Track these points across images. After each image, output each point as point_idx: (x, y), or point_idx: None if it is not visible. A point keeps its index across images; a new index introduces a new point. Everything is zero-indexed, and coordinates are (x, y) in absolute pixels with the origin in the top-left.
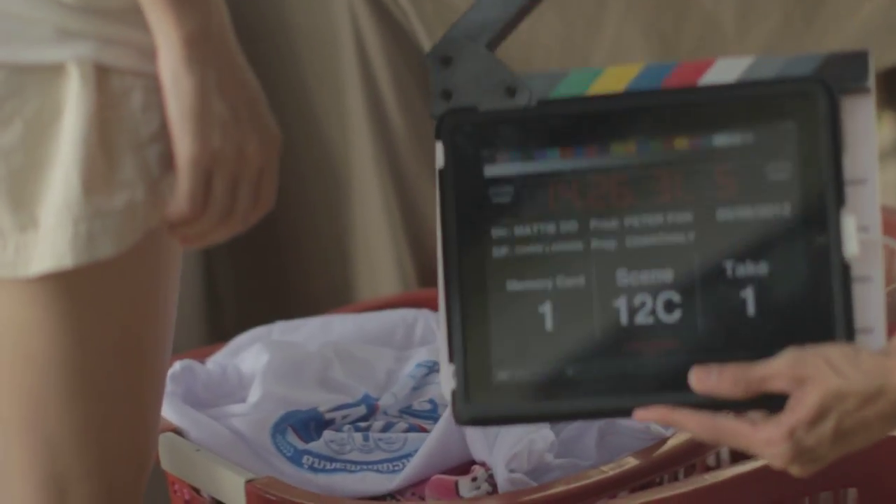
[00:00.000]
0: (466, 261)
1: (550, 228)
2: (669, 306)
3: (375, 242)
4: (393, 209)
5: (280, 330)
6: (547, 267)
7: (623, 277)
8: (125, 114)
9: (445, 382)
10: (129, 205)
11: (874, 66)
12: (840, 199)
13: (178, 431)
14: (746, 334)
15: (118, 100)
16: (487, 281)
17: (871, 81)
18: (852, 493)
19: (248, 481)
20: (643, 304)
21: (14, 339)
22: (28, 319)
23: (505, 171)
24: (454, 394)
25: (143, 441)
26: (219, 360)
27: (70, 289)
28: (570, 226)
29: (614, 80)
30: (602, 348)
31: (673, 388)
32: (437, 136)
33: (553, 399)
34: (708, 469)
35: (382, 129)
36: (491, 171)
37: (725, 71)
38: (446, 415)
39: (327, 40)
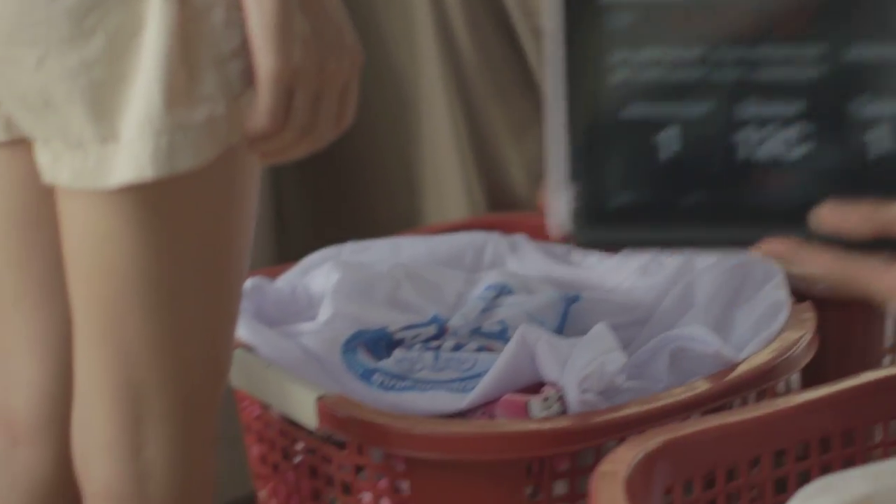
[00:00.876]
0: (581, 88)
1: (672, 55)
2: (795, 140)
3: (444, 167)
4: (461, 134)
5: (350, 250)
6: (667, 94)
7: (747, 108)
8: (206, 29)
9: (558, 207)
10: (209, 119)
11: None
12: None
13: (248, 348)
14: (878, 175)
15: (200, 14)
16: (604, 107)
17: None
18: None
19: (319, 398)
20: (767, 137)
21: (93, 249)
22: (108, 230)
23: None
24: (573, 215)
25: (218, 354)
26: (289, 279)
27: (150, 201)
28: (692, 54)
29: None
30: (723, 179)
31: (796, 224)
32: None
33: (671, 226)
34: (777, 396)
35: (451, 53)
36: None
37: None
38: (517, 335)
39: None
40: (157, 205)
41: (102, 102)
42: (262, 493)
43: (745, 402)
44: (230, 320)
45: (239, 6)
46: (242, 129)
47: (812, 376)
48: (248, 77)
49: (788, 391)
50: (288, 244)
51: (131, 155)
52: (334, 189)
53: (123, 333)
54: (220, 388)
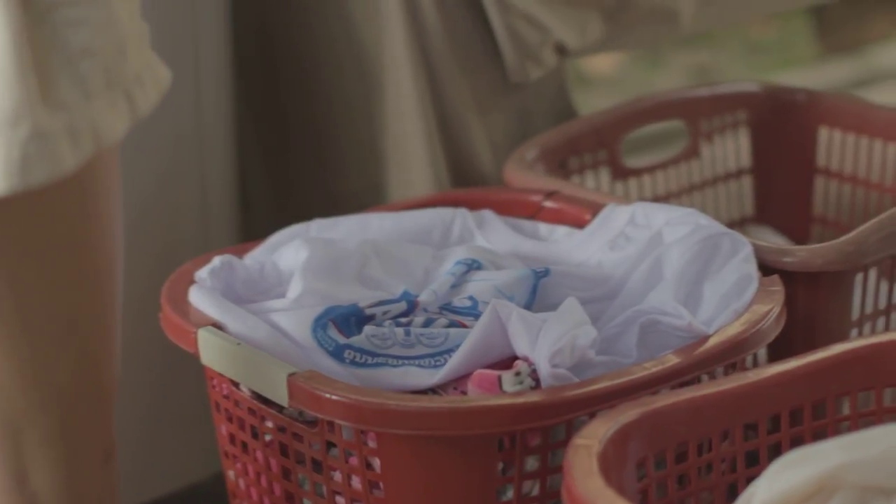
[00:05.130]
0: None
1: None
2: None
3: (408, 141)
4: (426, 107)
5: (318, 227)
6: None
7: None
8: (53, 29)
9: None
10: (68, 126)
11: None
12: None
13: (217, 325)
14: None
15: (44, 15)
16: None
17: None
18: (889, 392)
19: (290, 375)
20: None
21: None
22: None
23: None
24: None
25: (96, 376)
26: (257, 256)
27: (1, 219)
28: None
29: None
30: None
31: None
32: None
33: None
34: (745, 370)
35: (416, 25)
36: None
37: None
38: (489, 309)
39: None
40: (9, 220)
41: None
42: (231, 473)
43: (713, 377)
44: (104, 337)
45: (84, 2)
46: (102, 135)
47: (779, 350)
48: (103, 77)
49: (755, 365)
50: (252, 222)
51: None
52: (298, 165)
53: None
54: (105, 404)
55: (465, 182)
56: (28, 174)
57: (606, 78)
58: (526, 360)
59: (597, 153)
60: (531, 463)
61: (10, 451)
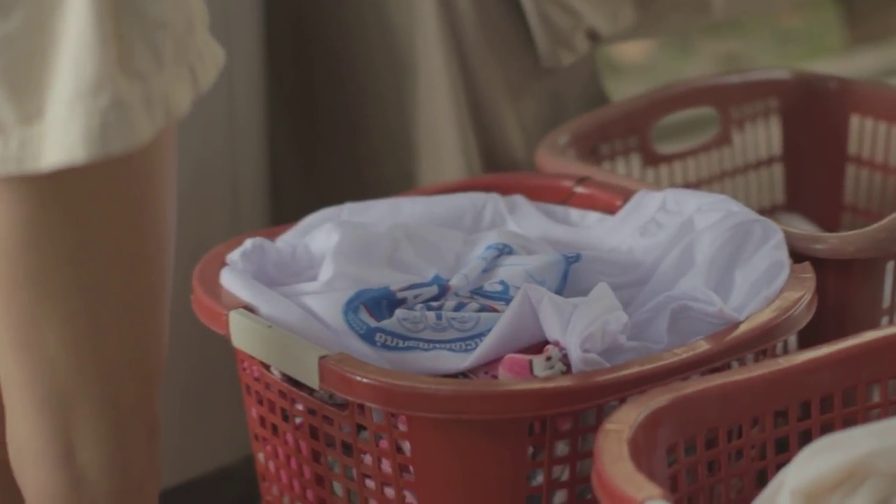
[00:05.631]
0: None
1: None
2: None
3: (440, 127)
4: (458, 93)
5: (350, 211)
6: None
7: None
8: None
9: None
10: (144, 96)
11: None
12: None
13: (249, 308)
14: None
15: None
16: None
17: None
18: None
19: (322, 357)
20: None
21: (5, 248)
22: (22, 222)
23: None
24: None
25: (146, 353)
26: (289, 239)
27: (74, 187)
28: None
29: None
30: None
31: None
32: None
33: None
34: (775, 357)
35: (448, 11)
36: None
37: None
38: (520, 294)
39: None
40: (75, 195)
41: (26, 80)
42: (261, 456)
43: (743, 363)
44: (156, 316)
45: None
46: (172, 107)
47: (810, 337)
48: (173, 50)
49: (786, 352)
50: (283, 209)
51: (60, 136)
52: (330, 152)
53: (42, 341)
54: (152, 385)
55: (496, 167)
56: (107, 143)
57: (636, 65)
58: (557, 344)
59: (628, 139)
60: (561, 448)
61: (60, 426)
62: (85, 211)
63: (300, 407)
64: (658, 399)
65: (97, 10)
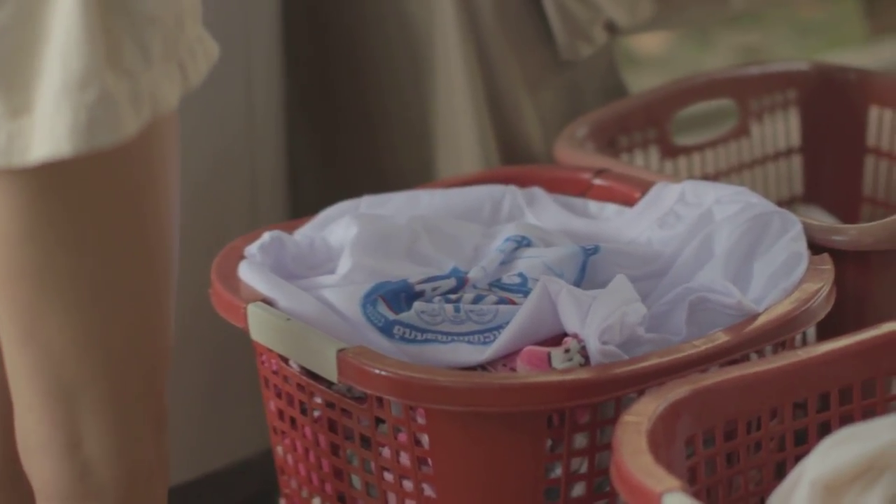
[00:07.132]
0: None
1: None
2: None
3: (458, 119)
4: (476, 86)
5: (368, 203)
6: None
7: None
8: None
9: None
10: (131, 91)
11: None
12: None
13: (267, 301)
14: None
15: None
16: None
17: None
18: None
19: (340, 350)
20: None
21: (8, 246)
22: (15, 215)
23: None
24: None
25: (152, 343)
26: (307, 232)
27: (64, 180)
28: None
29: None
30: None
31: None
32: None
33: None
34: (794, 348)
35: (467, 3)
36: None
37: None
38: (539, 286)
39: None
40: (71, 185)
41: (15, 74)
42: (279, 449)
43: (762, 355)
44: (161, 305)
45: None
46: (159, 103)
47: (828, 328)
48: (162, 46)
49: (804, 344)
50: (301, 200)
51: (47, 129)
52: (347, 143)
53: (45, 333)
54: (157, 374)
55: (514, 160)
56: (93, 137)
57: (654, 57)
58: (575, 336)
59: (647, 131)
60: (580, 440)
61: (65, 416)
62: (82, 200)
63: (318, 400)
64: (677, 391)
65: (86, 5)
